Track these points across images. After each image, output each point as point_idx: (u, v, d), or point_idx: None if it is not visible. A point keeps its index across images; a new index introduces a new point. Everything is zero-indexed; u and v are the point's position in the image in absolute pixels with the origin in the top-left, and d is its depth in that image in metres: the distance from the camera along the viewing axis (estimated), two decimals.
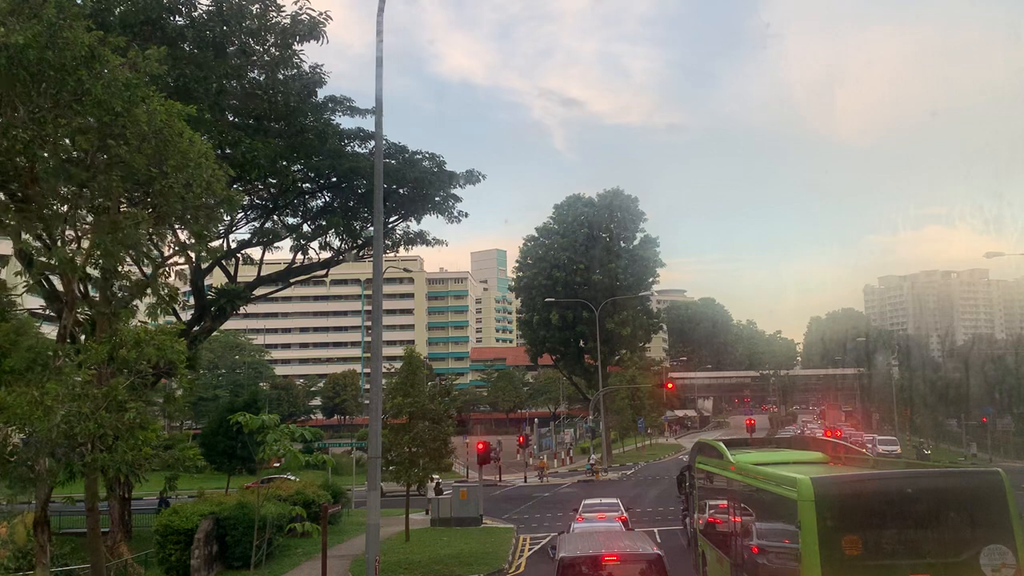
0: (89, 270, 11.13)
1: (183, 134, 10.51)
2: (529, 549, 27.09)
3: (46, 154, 9.64)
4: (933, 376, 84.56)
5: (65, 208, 9.98)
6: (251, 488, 31.58)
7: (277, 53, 27.46)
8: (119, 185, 9.92)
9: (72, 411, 8.70)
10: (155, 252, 14.27)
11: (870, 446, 57.38)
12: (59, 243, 10.25)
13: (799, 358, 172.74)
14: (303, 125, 31.71)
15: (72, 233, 10.52)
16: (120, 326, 9.82)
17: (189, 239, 14.34)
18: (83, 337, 13.57)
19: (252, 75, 29.03)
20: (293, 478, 39.34)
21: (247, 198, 36.79)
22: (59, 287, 12.79)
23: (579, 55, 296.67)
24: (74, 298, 10.63)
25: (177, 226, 11.81)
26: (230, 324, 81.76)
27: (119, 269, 10.83)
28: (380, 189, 14.06)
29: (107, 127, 9.54)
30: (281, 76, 28.99)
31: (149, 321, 11.40)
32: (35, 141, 9.58)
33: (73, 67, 9.10)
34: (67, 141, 9.72)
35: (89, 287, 13.18)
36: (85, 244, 10.37)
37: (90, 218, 11.55)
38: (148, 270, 12.40)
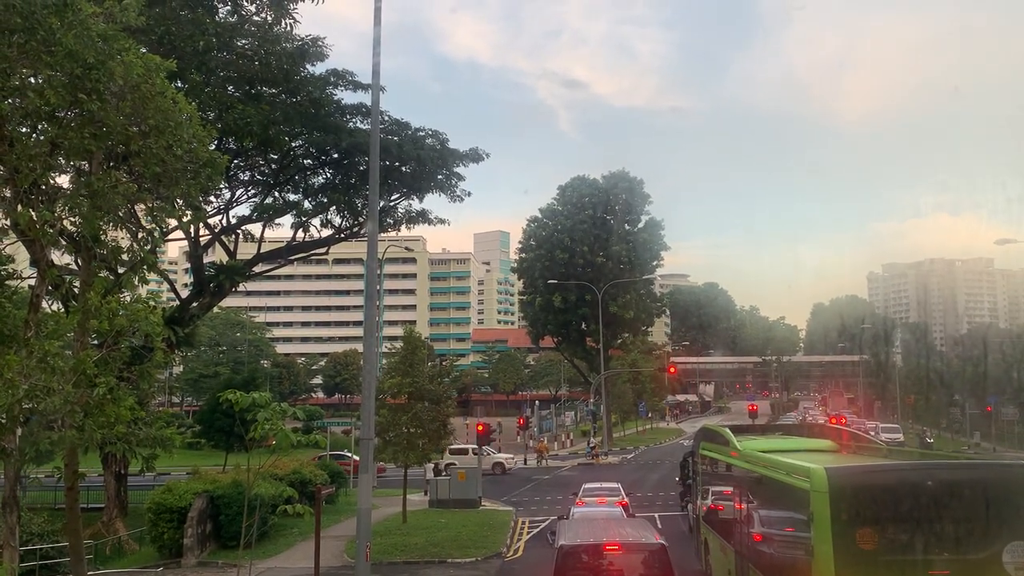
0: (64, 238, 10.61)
1: (165, 93, 9.95)
2: (528, 533, 26.73)
3: (16, 102, 9.03)
4: (936, 364, 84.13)
5: (37, 168, 9.37)
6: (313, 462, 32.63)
7: (271, 13, 26.54)
8: (92, 143, 9.35)
9: (37, 385, 8.20)
10: (133, 219, 13.63)
11: (873, 434, 56.91)
12: (24, 204, 9.64)
13: (802, 344, 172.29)
14: (296, 88, 30.88)
15: (44, 196, 9.93)
16: (90, 295, 9.27)
17: (183, 208, 13.75)
18: (56, 307, 13.06)
19: (243, 42, 28.16)
20: (348, 454, 39.59)
21: (247, 173, 36.27)
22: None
23: (587, 36, 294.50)
24: (45, 265, 10.09)
25: (160, 192, 11.17)
26: (232, 301, 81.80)
27: (101, 237, 10.28)
28: (376, 144, 13.48)
29: (79, 80, 8.97)
30: (274, 35, 27.98)
31: (126, 291, 10.87)
32: (2, 93, 9.02)
33: (44, 15, 8.55)
34: (31, 95, 9.10)
35: (74, 255, 12.57)
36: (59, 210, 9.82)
37: (62, 180, 10.90)
38: (130, 240, 11.80)
